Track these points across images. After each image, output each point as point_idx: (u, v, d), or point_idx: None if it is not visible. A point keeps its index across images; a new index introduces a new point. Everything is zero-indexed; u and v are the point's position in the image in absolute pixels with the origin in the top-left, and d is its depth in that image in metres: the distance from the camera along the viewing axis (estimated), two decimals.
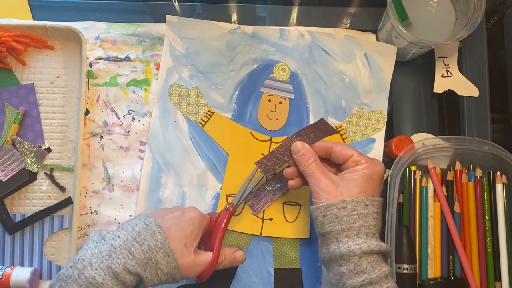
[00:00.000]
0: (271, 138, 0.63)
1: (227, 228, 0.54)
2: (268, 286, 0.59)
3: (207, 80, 0.64)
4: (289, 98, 0.64)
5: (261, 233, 0.60)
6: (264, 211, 0.61)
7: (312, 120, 0.64)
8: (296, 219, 0.61)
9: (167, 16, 0.65)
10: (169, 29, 0.64)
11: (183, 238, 0.47)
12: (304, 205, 0.61)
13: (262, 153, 0.62)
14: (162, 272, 0.45)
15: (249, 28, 0.65)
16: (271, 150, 0.61)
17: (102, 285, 0.42)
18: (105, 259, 0.43)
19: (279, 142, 0.62)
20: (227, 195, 0.61)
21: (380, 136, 0.64)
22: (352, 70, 0.65)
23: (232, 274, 0.59)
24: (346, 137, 0.63)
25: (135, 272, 0.43)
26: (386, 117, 0.64)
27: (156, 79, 0.63)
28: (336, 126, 0.64)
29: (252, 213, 0.60)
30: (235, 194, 0.60)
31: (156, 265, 0.44)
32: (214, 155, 0.62)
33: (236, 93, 0.64)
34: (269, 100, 0.64)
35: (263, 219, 0.60)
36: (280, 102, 0.64)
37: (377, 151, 0.63)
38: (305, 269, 0.60)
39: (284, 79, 0.65)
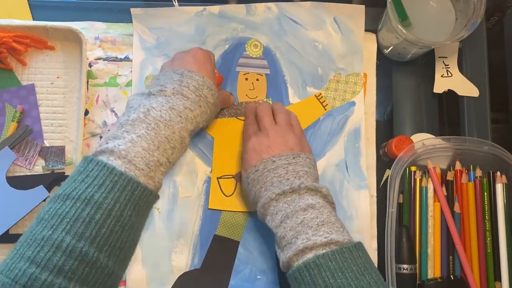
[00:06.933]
0: None
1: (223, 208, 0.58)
2: (269, 260, 0.59)
3: None
4: (266, 74, 0.64)
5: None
6: None
7: (291, 94, 0.64)
8: None
9: (131, 9, 0.64)
10: (136, 21, 0.64)
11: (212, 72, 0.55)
12: None
13: None
14: (210, 103, 0.53)
15: (214, 8, 0.65)
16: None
17: (170, 120, 0.48)
18: (165, 103, 0.48)
19: None
20: (217, 178, 0.61)
21: (359, 99, 0.64)
22: (323, 36, 0.65)
23: (234, 252, 0.59)
24: (327, 104, 0.64)
25: (193, 108, 0.50)
26: (363, 78, 0.64)
27: None
28: (315, 95, 0.64)
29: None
30: (226, 175, 0.60)
31: (205, 99, 0.52)
32: (200, 140, 0.62)
33: None
34: (246, 79, 0.64)
35: None
36: (257, 79, 0.64)
37: (358, 113, 0.63)
38: None
39: (258, 55, 0.64)
